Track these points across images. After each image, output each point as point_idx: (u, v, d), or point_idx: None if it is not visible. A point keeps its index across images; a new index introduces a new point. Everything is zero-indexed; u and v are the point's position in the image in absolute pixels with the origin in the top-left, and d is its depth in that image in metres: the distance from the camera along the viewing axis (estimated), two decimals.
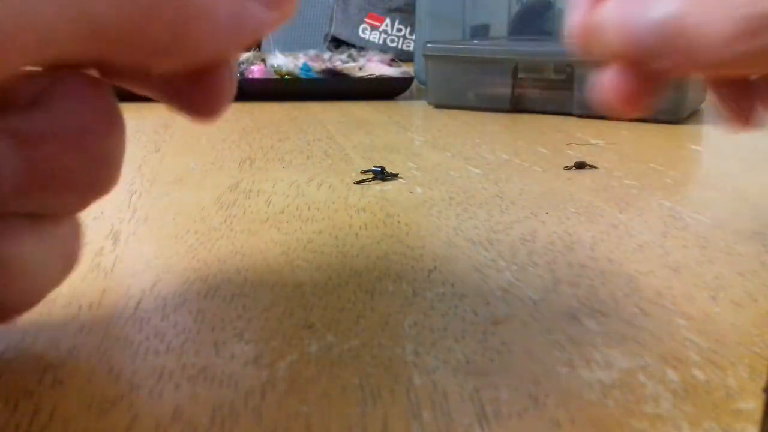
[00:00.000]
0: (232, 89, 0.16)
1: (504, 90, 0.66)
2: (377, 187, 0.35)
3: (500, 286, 0.22)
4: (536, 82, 0.65)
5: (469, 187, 0.35)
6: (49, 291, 0.17)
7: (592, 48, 0.20)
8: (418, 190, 0.35)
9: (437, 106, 0.70)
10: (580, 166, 0.40)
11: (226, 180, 0.36)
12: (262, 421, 0.14)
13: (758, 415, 0.14)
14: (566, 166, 0.40)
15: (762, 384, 0.16)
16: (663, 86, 0.21)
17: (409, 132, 0.54)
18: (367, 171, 0.38)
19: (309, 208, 0.31)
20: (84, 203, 0.16)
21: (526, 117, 0.63)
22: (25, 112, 0.14)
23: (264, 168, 0.39)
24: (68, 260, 0.17)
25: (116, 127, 0.15)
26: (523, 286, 0.22)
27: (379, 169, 0.37)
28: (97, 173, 0.15)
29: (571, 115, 0.63)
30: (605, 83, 0.20)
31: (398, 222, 0.29)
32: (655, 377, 0.16)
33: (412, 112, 0.68)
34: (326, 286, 0.22)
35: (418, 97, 0.79)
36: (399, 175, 0.37)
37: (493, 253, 0.25)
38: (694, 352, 0.17)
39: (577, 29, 0.20)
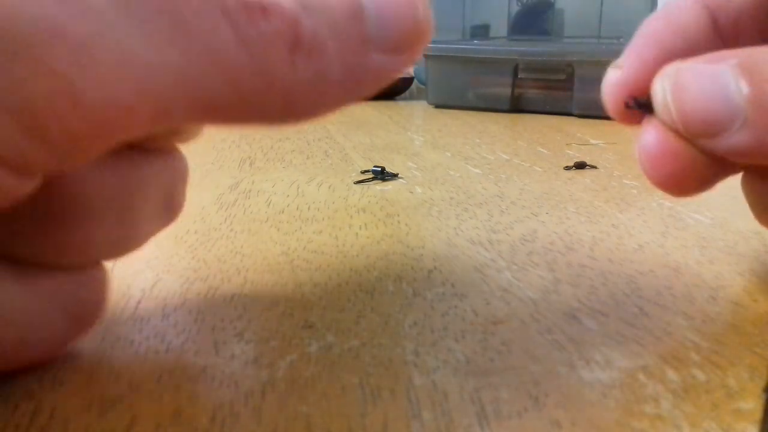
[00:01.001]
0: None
1: (504, 90, 0.66)
2: (377, 187, 0.35)
3: (500, 286, 0.22)
4: (536, 82, 0.65)
5: (469, 187, 0.35)
6: (52, 349, 0.16)
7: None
8: (418, 190, 0.34)
9: (437, 106, 0.70)
10: (580, 166, 0.40)
11: (226, 180, 0.36)
12: (262, 421, 0.14)
13: (758, 415, 0.14)
14: (566, 166, 0.40)
15: (762, 384, 0.16)
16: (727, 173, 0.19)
17: (409, 132, 0.54)
18: (367, 171, 0.38)
19: (309, 208, 0.31)
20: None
21: (526, 117, 0.63)
22: None
23: (264, 168, 0.39)
24: (75, 315, 0.16)
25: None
26: (523, 286, 0.22)
27: (379, 169, 0.37)
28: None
29: (571, 115, 0.63)
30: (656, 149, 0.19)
31: (398, 222, 0.29)
32: (655, 377, 0.16)
33: (412, 112, 0.68)
34: (326, 286, 0.22)
35: (418, 97, 0.79)
36: (399, 175, 0.37)
37: (493, 253, 0.25)
38: (694, 352, 0.17)
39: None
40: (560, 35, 0.78)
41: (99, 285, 0.16)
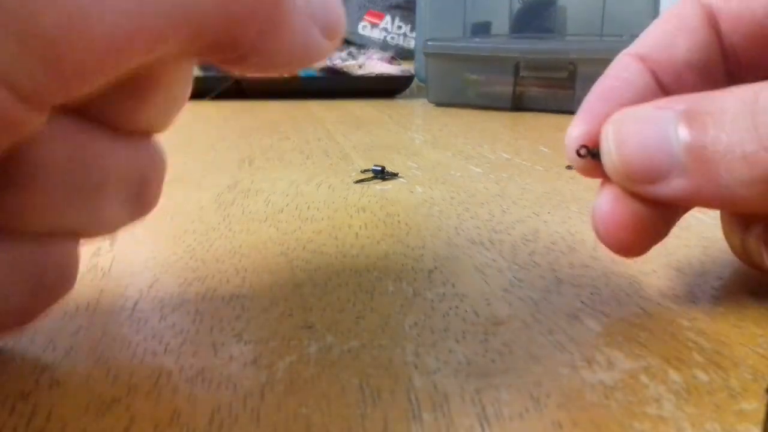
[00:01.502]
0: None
1: (505, 88, 0.65)
2: (377, 186, 0.35)
3: (501, 286, 0.22)
4: (538, 80, 0.65)
5: (470, 187, 0.35)
6: (15, 320, 0.15)
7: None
8: (419, 189, 0.34)
9: (438, 105, 0.70)
10: None
11: (224, 179, 0.36)
12: (261, 423, 0.14)
13: (761, 416, 0.14)
14: (568, 166, 0.40)
15: (765, 385, 0.16)
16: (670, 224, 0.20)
17: (409, 131, 0.54)
18: (367, 170, 0.37)
19: (308, 208, 0.31)
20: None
21: (527, 115, 0.63)
22: None
23: (263, 167, 0.39)
24: (39, 285, 0.15)
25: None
26: (525, 286, 0.22)
27: (379, 168, 0.37)
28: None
29: (572, 113, 0.62)
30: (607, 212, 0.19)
31: (398, 222, 0.29)
32: (657, 378, 0.16)
33: (413, 110, 0.68)
34: (326, 286, 0.21)
35: (418, 95, 0.79)
36: (399, 175, 0.37)
37: (494, 252, 0.25)
38: (696, 352, 0.17)
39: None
40: (562, 33, 0.78)
41: (66, 256, 0.16)
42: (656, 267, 0.23)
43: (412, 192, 0.34)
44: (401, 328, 0.18)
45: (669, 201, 0.18)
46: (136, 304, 0.20)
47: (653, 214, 0.19)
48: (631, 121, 0.18)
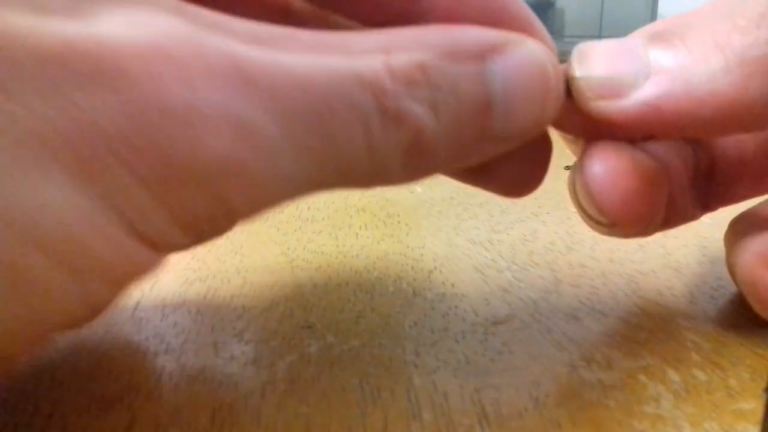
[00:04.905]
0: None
1: None
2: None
3: (501, 286, 0.22)
4: None
5: (469, 187, 0.35)
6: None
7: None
8: (419, 189, 0.34)
9: None
10: None
11: None
12: (261, 422, 0.14)
13: (759, 415, 0.14)
14: (567, 166, 0.40)
15: (763, 384, 0.16)
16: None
17: None
18: None
19: (308, 208, 0.31)
20: None
21: None
22: None
23: None
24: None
25: None
26: (524, 286, 0.22)
27: None
28: None
29: None
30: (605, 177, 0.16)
31: (398, 222, 0.29)
32: (656, 377, 0.16)
33: None
34: (326, 286, 0.22)
35: None
36: None
37: (493, 252, 0.25)
38: (695, 352, 0.17)
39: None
40: (561, 35, 0.78)
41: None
42: (655, 267, 0.23)
43: (412, 192, 0.34)
44: (401, 327, 0.19)
45: (637, 119, 0.16)
46: (137, 303, 0.20)
47: (648, 165, 0.17)
48: (596, 43, 0.17)
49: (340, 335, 0.18)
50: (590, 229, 0.18)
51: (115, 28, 0.10)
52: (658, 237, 0.27)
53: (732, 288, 0.21)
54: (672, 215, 0.18)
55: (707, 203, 0.20)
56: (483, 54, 0.13)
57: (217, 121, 0.10)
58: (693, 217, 0.20)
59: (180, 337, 0.18)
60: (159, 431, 0.14)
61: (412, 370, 0.16)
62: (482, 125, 0.14)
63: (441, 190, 0.34)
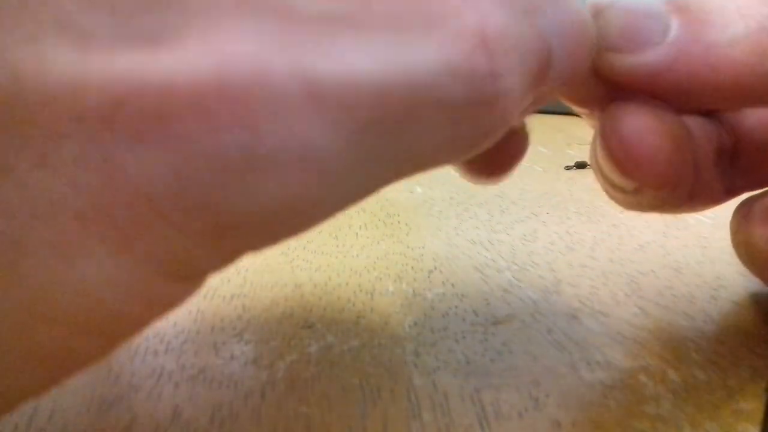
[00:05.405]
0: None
1: None
2: None
3: (501, 286, 0.22)
4: None
5: (469, 187, 0.35)
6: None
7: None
8: (419, 189, 0.34)
9: None
10: (581, 165, 0.40)
11: None
12: (261, 422, 0.14)
13: (759, 415, 0.14)
14: (567, 166, 0.40)
15: (763, 384, 0.16)
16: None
17: None
18: None
19: None
20: None
21: None
22: None
23: None
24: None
25: None
26: (524, 286, 0.22)
27: None
28: None
29: (571, 114, 0.63)
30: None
31: (398, 222, 0.29)
32: (656, 377, 0.16)
33: None
34: (326, 286, 0.22)
35: None
36: None
37: (493, 252, 0.25)
38: (695, 352, 0.17)
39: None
40: None
41: None
42: (654, 267, 0.23)
43: (411, 192, 0.34)
44: (401, 327, 0.19)
45: (654, 76, 0.15)
46: None
47: (673, 124, 0.16)
48: (616, 1, 0.16)
49: (340, 335, 0.18)
50: (616, 202, 0.17)
51: (165, 62, 0.09)
52: (658, 237, 0.27)
53: (732, 288, 0.21)
54: (697, 190, 0.18)
55: (731, 187, 0.19)
56: (535, 9, 0.12)
57: (281, 156, 0.09)
58: (717, 199, 0.19)
59: (180, 337, 0.18)
60: (159, 431, 0.14)
61: (412, 370, 0.16)
62: (542, 80, 0.13)
63: (441, 190, 0.34)
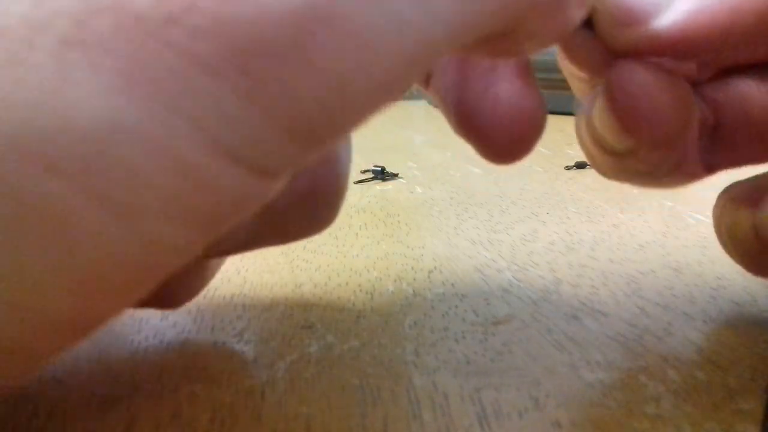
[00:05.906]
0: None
1: None
2: (377, 186, 0.35)
3: (501, 286, 0.22)
4: (537, 81, 0.65)
5: (469, 187, 0.35)
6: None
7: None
8: (419, 189, 0.34)
9: (437, 106, 0.70)
10: (581, 165, 0.40)
11: None
12: (261, 422, 0.14)
13: (759, 415, 0.14)
14: (567, 166, 0.40)
15: (763, 384, 0.16)
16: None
17: (409, 131, 0.54)
18: (367, 170, 0.38)
19: None
20: None
21: None
22: None
23: None
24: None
25: None
26: (524, 286, 0.22)
27: (379, 168, 0.37)
28: None
29: (571, 114, 0.63)
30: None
31: (398, 222, 0.29)
32: (656, 377, 0.16)
33: (413, 111, 0.68)
34: (326, 286, 0.22)
35: (418, 96, 0.79)
36: (399, 175, 0.37)
37: (493, 252, 0.25)
38: (695, 352, 0.17)
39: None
40: None
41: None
42: (654, 267, 0.23)
43: (411, 192, 0.34)
44: (401, 327, 0.19)
45: (663, 43, 0.15)
46: None
47: (677, 83, 0.16)
48: None
49: (340, 335, 0.18)
50: (599, 171, 0.18)
51: None
52: (658, 237, 0.27)
53: (732, 288, 0.21)
54: (681, 163, 0.18)
55: (711, 163, 0.19)
56: None
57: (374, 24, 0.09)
58: (697, 174, 0.19)
59: (180, 337, 0.18)
60: (159, 430, 0.14)
61: (412, 370, 0.16)
62: None
63: (441, 190, 0.34)
